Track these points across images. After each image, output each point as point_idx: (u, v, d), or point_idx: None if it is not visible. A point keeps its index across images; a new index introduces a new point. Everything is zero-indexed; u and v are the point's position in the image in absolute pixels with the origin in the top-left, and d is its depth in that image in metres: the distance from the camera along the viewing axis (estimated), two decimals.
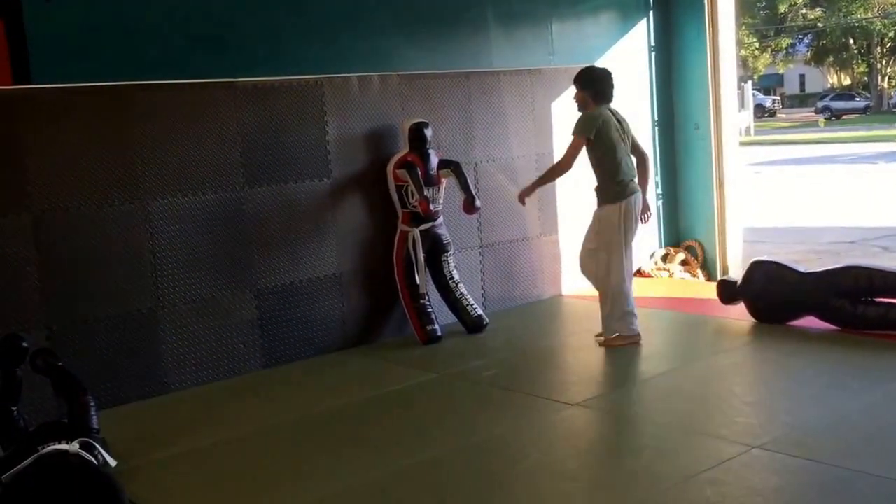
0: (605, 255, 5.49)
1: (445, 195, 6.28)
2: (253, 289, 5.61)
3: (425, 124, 5.99)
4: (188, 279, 5.36)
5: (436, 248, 6.11)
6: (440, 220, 6.12)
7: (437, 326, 6.03)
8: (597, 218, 5.56)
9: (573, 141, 5.50)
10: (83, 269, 5.01)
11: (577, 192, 7.30)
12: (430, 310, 6.06)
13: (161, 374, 5.27)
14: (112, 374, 5.09)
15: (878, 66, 45.51)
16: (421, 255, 5.97)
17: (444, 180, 6.09)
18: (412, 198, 5.91)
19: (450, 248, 6.19)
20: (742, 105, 33.12)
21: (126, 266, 5.15)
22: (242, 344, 5.57)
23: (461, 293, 6.21)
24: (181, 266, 5.33)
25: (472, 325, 6.18)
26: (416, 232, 5.95)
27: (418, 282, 5.97)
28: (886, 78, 46.22)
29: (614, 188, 5.43)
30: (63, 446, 3.69)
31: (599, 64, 7.39)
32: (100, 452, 3.87)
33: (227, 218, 5.51)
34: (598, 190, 5.55)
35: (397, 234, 6.04)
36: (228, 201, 5.51)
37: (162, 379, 5.27)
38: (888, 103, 43.76)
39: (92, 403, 4.21)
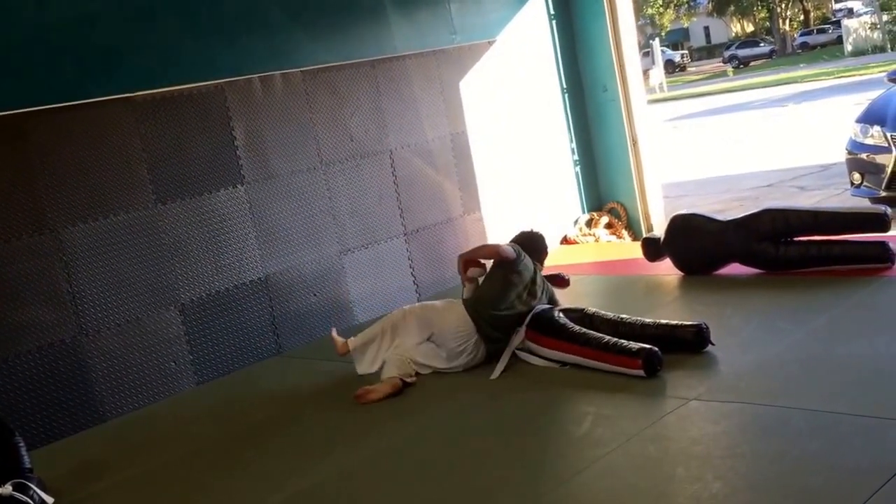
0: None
1: (366, 187, 6.27)
2: (177, 304, 5.50)
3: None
4: (109, 303, 5.22)
5: None
6: None
7: None
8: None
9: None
10: None
11: (498, 167, 7.36)
12: None
13: (93, 404, 5.13)
14: (42, 411, 4.94)
15: (778, 10, 46.52)
16: None
17: None
18: None
19: None
20: (652, 62, 33.61)
21: (43, 298, 5.00)
22: (173, 362, 5.46)
23: None
24: (101, 291, 5.19)
25: None
26: None
27: None
28: (787, 21, 47.28)
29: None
30: None
31: (501, 37, 7.44)
32: (34, 492, 3.78)
33: (142, 237, 5.37)
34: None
35: None
36: (141, 220, 5.37)
37: (95, 408, 5.13)
38: (792, 45, 44.77)
39: (21, 444, 4.10)
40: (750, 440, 3.54)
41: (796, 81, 26.62)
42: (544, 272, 5.25)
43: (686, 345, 4.48)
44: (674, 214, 6.23)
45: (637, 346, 4.34)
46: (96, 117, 5.24)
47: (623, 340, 4.43)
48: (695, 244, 5.95)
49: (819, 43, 42.13)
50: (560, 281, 5.34)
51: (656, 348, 4.31)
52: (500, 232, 7.28)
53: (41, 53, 5.05)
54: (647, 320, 4.66)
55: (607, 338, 4.49)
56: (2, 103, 4.90)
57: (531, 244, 5.22)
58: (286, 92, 6.07)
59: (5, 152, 4.92)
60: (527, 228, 5.45)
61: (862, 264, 5.45)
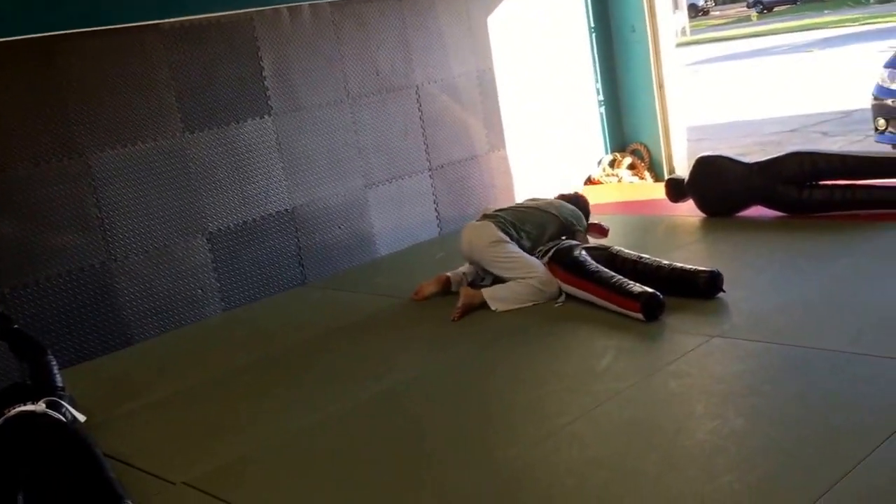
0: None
1: (391, 122, 6.26)
2: (204, 233, 5.56)
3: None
4: (138, 230, 5.29)
5: None
6: None
7: None
8: None
9: None
10: (29, 230, 4.91)
11: (523, 105, 7.33)
12: None
13: (121, 327, 5.23)
14: (72, 332, 5.04)
15: None
16: None
17: None
18: None
19: None
20: (676, 6, 33.09)
21: (72, 222, 5.06)
22: (200, 289, 5.54)
23: None
24: (129, 217, 5.26)
25: None
26: None
27: None
28: None
29: None
30: (29, 407, 3.66)
31: None
32: (67, 410, 3.85)
33: (171, 164, 5.42)
34: None
35: None
36: (169, 147, 5.41)
37: (123, 332, 5.23)
38: None
39: (53, 362, 4.18)
40: (772, 379, 3.57)
41: (821, 27, 26.17)
42: None
43: (698, 290, 4.49)
44: (699, 156, 6.22)
45: (639, 289, 4.34)
46: (125, 44, 5.24)
47: (630, 282, 4.44)
48: (719, 186, 5.95)
49: None
50: (598, 229, 5.40)
51: (658, 294, 4.31)
52: (523, 170, 7.31)
53: None
54: (664, 263, 4.68)
55: (616, 277, 4.51)
56: (31, 27, 4.89)
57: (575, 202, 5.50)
58: (314, 23, 6.04)
59: (34, 75, 4.93)
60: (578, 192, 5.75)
61: (885, 209, 5.44)
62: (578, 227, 5.27)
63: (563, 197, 5.60)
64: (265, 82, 5.81)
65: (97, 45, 5.12)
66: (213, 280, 5.59)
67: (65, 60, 5.01)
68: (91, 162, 5.11)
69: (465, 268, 5.29)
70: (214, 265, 5.60)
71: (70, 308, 5.04)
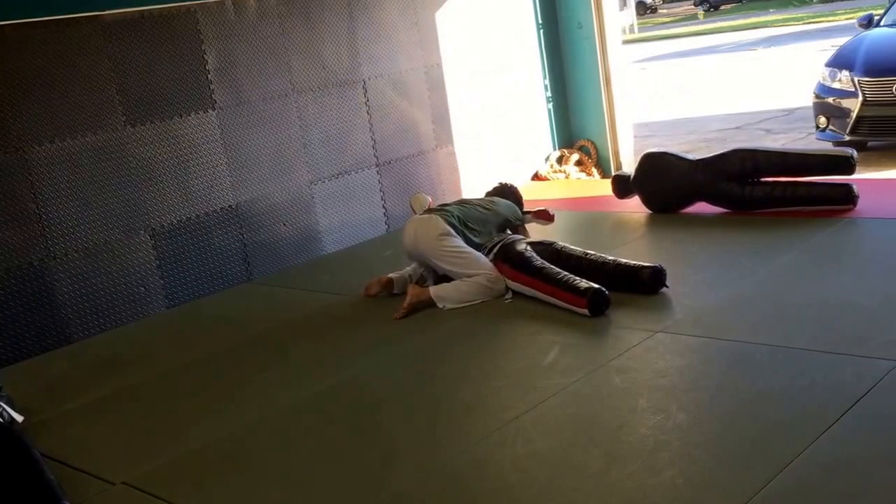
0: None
1: (338, 117, 6.20)
2: (147, 229, 5.47)
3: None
4: (78, 226, 5.18)
5: None
6: None
7: None
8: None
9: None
10: None
11: (471, 102, 7.33)
12: None
13: (61, 326, 5.12)
14: (9, 331, 4.92)
15: None
16: None
17: None
18: None
19: None
20: (624, 3, 33.37)
21: (9, 218, 4.94)
22: (143, 287, 5.45)
23: None
24: (69, 213, 5.15)
25: None
26: None
27: None
28: None
29: None
30: None
31: None
32: (4, 410, 3.78)
33: (112, 159, 5.31)
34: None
35: None
36: (110, 142, 5.31)
37: (62, 330, 5.12)
38: None
39: None
40: (714, 373, 3.62)
41: (766, 26, 26.63)
42: (531, 208, 5.46)
43: (642, 285, 4.54)
44: (644, 153, 6.27)
45: (585, 285, 4.38)
46: (64, 36, 5.13)
47: (576, 278, 4.47)
48: (664, 182, 6.01)
49: None
50: (545, 215, 5.40)
51: (604, 289, 4.35)
52: (471, 166, 7.31)
53: None
54: (609, 258, 4.71)
55: (562, 273, 4.53)
56: None
57: (505, 194, 5.49)
58: (259, 16, 5.97)
59: None
60: (503, 181, 5.69)
61: (825, 205, 5.54)
62: (517, 221, 5.29)
63: (491, 192, 5.60)
64: (209, 75, 5.72)
65: (34, 37, 5.00)
66: (156, 277, 5.51)
67: (0, 51, 4.89)
68: (29, 156, 4.99)
69: (409, 269, 5.26)
70: (158, 262, 5.51)
71: (7, 306, 4.92)
